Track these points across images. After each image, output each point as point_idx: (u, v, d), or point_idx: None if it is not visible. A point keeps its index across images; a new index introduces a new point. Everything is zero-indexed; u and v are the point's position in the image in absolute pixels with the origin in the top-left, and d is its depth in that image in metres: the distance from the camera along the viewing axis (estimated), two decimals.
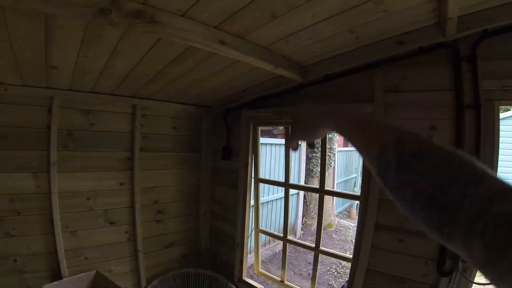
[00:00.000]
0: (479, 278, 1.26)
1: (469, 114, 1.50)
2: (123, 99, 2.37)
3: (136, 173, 2.50)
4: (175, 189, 2.85)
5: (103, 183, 2.39)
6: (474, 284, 1.60)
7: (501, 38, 1.39)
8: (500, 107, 1.51)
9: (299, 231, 6.56)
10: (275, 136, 7.67)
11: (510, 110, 7.61)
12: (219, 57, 1.61)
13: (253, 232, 2.82)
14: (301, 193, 6.55)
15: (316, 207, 6.74)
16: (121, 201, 2.49)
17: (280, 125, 2.43)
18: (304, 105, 0.79)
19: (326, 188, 2.26)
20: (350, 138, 0.60)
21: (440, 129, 1.62)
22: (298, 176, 6.40)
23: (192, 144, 2.95)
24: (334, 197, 7.56)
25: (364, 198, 1.89)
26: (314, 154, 6.81)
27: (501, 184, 0.35)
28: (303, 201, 6.78)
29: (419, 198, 0.43)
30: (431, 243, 1.62)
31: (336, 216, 7.82)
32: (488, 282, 0.33)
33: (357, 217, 2.09)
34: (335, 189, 7.03)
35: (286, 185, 2.56)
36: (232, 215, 2.74)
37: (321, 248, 2.32)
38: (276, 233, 2.67)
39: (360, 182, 2.00)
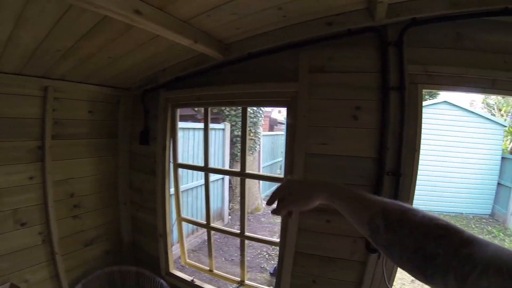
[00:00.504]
0: None
1: (394, 96, 1.62)
2: (33, 80, 2.06)
3: (48, 164, 2.23)
4: (92, 179, 2.63)
5: (9, 178, 2.06)
6: None
7: (427, 27, 1.54)
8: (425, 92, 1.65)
9: (226, 217, 6.67)
10: (198, 120, 7.62)
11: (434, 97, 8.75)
12: (136, 31, 1.55)
13: (176, 221, 2.77)
14: (226, 178, 6.58)
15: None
16: (32, 198, 2.19)
17: (199, 106, 2.45)
18: (296, 177, 0.94)
19: (248, 171, 2.29)
20: (343, 208, 0.77)
21: (365, 109, 1.70)
22: (222, 160, 6.45)
23: (109, 129, 2.76)
24: (261, 181, 7.85)
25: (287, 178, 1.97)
26: (238, 139, 6.88)
27: (462, 234, 0.53)
28: (229, 186, 6.84)
29: (405, 252, 0.59)
30: None
31: (263, 199, 8.07)
32: None
33: None
34: (259, 172, 7.23)
35: (206, 169, 2.54)
36: (152, 203, 2.62)
37: (247, 234, 2.35)
38: (199, 221, 2.65)
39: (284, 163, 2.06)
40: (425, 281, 0.56)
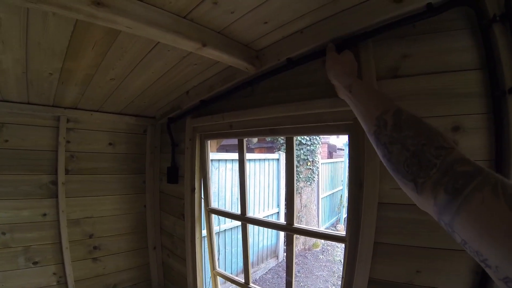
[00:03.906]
0: None
1: None
2: (43, 109, 1.87)
3: (61, 201, 1.99)
4: (115, 219, 2.31)
5: (20, 214, 1.90)
6: None
7: None
8: None
9: (281, 254, 5.92)
10: (252, 150, 7.12)
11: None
12: (124, 39, 1.14)
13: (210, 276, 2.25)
14: (282, 211, 5.85)
15: (301, 223, 6.16)
16: (45, 236, 1.99)
17: (232, 136, 1.86)
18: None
19: (296, 225, 1.64)
20: (359, 97, 0.82)
21: (467, 130, 1.01)
22: (277, 193, 5.79)
23: (135, 163, 2.43)
24: (319, 212, 7.05)
25: (351, 241, 1.31)
26: (296, 169, 6.23)
27: (462, 154, 0.54)
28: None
29: (404, 153, 0.61)
30: None
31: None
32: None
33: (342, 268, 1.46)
34: (316, 228, 6.57)
35: (243, 219, 1.92)
36: (182, 251, 2.17)
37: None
38: (237, 279, 2.08)
39: (346, 214, 1.41)
40: (414, 191, 0.57)
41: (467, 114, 1.01)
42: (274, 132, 1.62)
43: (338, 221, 8.58)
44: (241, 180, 1.89)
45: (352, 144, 1.29)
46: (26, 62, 1.31)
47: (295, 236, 1.70)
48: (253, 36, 1.23)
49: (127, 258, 2.39)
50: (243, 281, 2.01)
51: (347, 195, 1.36)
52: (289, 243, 1.72)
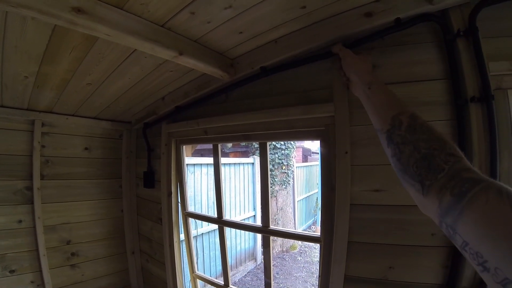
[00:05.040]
0: None
1: (475, 111, 1.03)
2: (17, 112, 1.84)
3: (37, 207, 1.95)
4: (93, 224, 2.28)
5: None
6: None
7: (507, 6, 0.98)
8: None
9: (259, 257, 5.96)
10: (227, 155, 7.17)
11: None
12: (102, 45, 1.17)
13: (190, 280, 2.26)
14: (258, 215, 5.87)
15: (277, 225, 6.23)
16: (21, 244, 1.94)
17: (207, 142, 1.91)
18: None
19: (272, 227, 1.70)
20: (376, 97, 0.85)
21: None
22: (253, 197, 5.87)
23: (111, 168, 2.42)
24: (296, 215, 7.18)
25: (326, 242, 1.39)
26: (271, 173, 6.28)
27: (470, 165, 0.56)
28: None
29: (415, 154, 0.63)
30: None
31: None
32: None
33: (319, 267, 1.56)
34: (292, 230, 6.64)
35: (220, 222, 1.97)
36: (161, 255, 2.18)
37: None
38: (216, 281, 2.11)
39: (320, 215, 1.47)
40: (419, 192, 0.60)
41: (432, 120, 1.09)
42: (248, 138, 1.68)
43: (314, 223, 8.77)
44: (217, 183, 1.93)
45: (323, 149, 1.38)
46: (1, 65, 1.30)
47: (271, 238, 1.76)
48: (228, 45, 1.30)
49: (106, 264, 2.36)
50: (223, 283, 2.04)
51: (321, 199, 1.43)
52: (266, 245, 1.78)
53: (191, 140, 2.03)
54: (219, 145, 1.94)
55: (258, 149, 5.86)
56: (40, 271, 1.99)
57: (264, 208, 1.71)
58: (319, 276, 1.47)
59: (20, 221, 1.93)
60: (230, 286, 2.02)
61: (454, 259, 1.11)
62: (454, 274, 1.11)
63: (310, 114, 1.36)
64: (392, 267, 1.24)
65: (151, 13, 1.00)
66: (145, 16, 1.01)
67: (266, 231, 1.71)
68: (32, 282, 1.97)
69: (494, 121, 0.99)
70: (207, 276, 2.29)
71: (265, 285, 1.82)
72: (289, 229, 6.33)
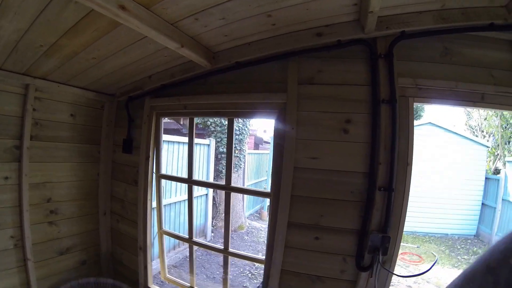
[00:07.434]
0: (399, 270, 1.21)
1: (385, 109, 1.60)
2: (14, 76, 2.00)
3: (25, 165, 2.14)
4: (71, 185, 2.52)
5: None
6: (394, 276, 1.64)
7: (417, 41, 1.55)
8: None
9: (209, 234, 6.48)
10: (184, 135, 7.49)
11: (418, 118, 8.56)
12: (121, 31, 1.53)
13: (157, 235, 2.65)
14: (210, 194, 6.44)
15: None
16: (6, 199, 2.09)
17: (185, 115, 2.34)
18: None
19: (233, 185, 2.20)
20: None
21: (356, 123, 1.69)
22: (207, 177, 6.31)
23: (92, 135, 2.68)
24: (244, 199, 7.70)
25: (275, 195, 1.87)
26: (223, 155, 6.74)
27: None
28: (213, 203, 6.70)
29: None
30: (348, 239, 1.68)
31: (247, 218, 7.93)
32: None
33: (268, 218, 2.15)
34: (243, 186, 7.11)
35: (190, 181, 2.42)
36: (133, 215, 2.52)
37: (230, 250, 2.26)
38: (181, 235, 2.53)
39: (270, 179, 1.98)
40: None
41: (356, 112, 1.71)
42: (220, 114, 2.17)
43: (262, 208, 9.38)
44: (190, 151, 2.38)
45: (277, 126, 1.91)
46: (25, 33, 1.54)
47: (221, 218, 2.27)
48: (215, 43, 1.78)
49: (80, 223, 2.60)
50: (187, 236, 2.48)
51: (272, 163, 1.96)
52: (226, 201, 2.28)
53: (171, 113, 2.46)
54: (194, 122, 2.38)
55: (214, 132, 6.34)
56: (21, 226, 2.14)
57: (228, 171, 2.22)
58: (269, 223, 1.96)
59: (6, 178, 2.08)
60: (194, 238, 2.47)
61: (366, 210, 1.63)
62: (366, 220, 1.64)
63: (268, 100, 1.91)
64: (322, 215, 1.76)
65: (167, 15, 1.42)
66: (163, 17, 1.43)
67: (228, 188, 2.22)
68: (12, 237, 2.11)
69: (396, 116, 1.59)
70: (172, 231, 2.69)
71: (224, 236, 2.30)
72: (238, 211, 6.97)
